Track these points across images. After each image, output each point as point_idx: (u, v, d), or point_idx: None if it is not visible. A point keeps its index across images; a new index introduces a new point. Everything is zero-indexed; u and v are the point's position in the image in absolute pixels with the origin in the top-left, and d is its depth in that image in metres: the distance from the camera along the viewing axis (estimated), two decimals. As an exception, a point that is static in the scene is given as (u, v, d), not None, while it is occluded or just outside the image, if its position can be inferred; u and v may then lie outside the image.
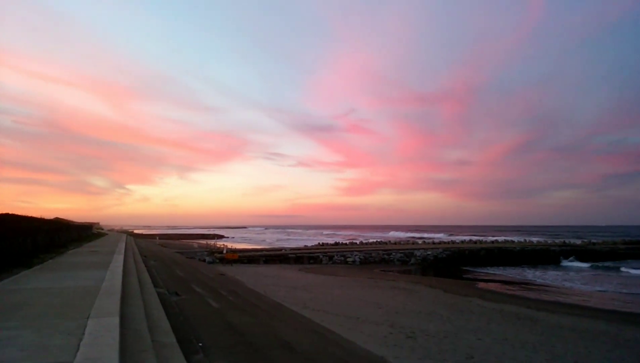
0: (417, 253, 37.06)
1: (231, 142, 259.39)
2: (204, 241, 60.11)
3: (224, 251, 34.62)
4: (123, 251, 17.65)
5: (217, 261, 31.45)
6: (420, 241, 56.57)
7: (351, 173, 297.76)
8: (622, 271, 31.16)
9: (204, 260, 31.69)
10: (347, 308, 13.48)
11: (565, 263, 37.16)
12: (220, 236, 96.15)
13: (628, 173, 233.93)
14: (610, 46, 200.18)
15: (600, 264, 36.24)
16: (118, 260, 12.73)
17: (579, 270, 32.72)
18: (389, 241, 59.29)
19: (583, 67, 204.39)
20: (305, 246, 48.80)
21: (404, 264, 34.89)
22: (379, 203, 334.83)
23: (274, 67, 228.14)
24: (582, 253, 41.06)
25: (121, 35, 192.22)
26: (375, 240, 61.50)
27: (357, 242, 56.39)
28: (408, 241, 60.63)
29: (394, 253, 37.03)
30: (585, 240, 57.48)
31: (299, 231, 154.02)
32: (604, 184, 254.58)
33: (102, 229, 76.95)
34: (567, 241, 54.47)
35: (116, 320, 4.71)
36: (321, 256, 34.69)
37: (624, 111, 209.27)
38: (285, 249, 40.22)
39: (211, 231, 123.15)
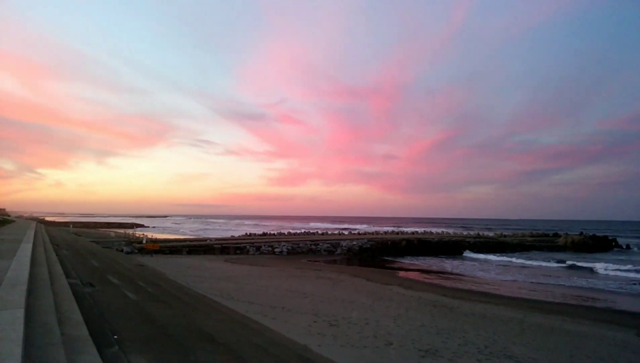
0: (344, 243, 37.86)
1: (155, 127, 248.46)
2: (122, 231, 57.28)
3: (144, 241, 33.15)
4: (32, 239, 16.35)
5: (136, 251, 30.08)
6: (346, 232, 57.84)
7: (281, 163, 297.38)
8: (528, 263, 33.77)
9: (122, 250, 30.18)
10: (273, 299, 13.46)
11: (478, 254, 39.65)
12: (140, 226, 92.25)
13: (538, 170, 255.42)
14: (528, 50, 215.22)
15: (509, 255, 39.21)
16: (25, 249, 11.75)
17: (489, 261, 35.04)
18: (317, 231, 60.05)
19: (502, 69, 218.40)
20: (232, 236, 48.06)
21: (330, 254, 35.51)
22: (307, 194, 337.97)
23: (204, 52, 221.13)
24: (494, 245, 44.16)
25: (36, 8, 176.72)
26: (303, 231, 62.00)
27: (285, 233, 56.55)
28: (335, 232, 61.78)
29: (321, 244, 37.55)
30: (498, 233, 61.84)
31: (222, 221, 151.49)
32: (516, 181, 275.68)
33: (9, 216, 70.96)
34: (481, 233, 58.25)
35: (21, 313, 4.34)
36: (248, 247, 34.34)
37: (537, 112, 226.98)
38: (210, 239, 39.34)
39: (130, 220, 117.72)
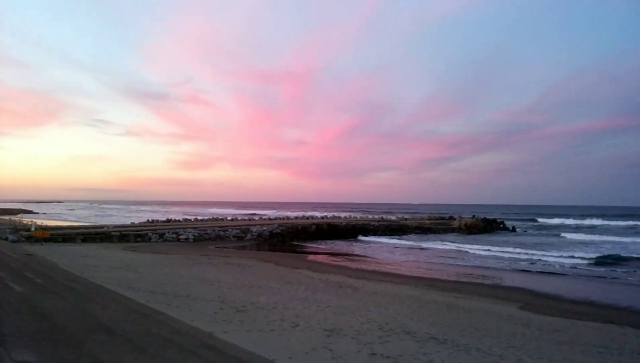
0: (253, 229, 37.61)
1: (46, 104, 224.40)
2: (6, 217, 51.82)
3: (32, 229, 30.25)
4: None
5: (24, 239, 27.38)
6: (257, 218, 57.49)
7: (187, 146, 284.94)
8: (425, 245, 36.04)
9: (7, 239, 27.33)
10: (177, 287, 13.00)
11: (381, 237, 41.60)
12: (29, 212, 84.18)
13: (438, 158, 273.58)
14: (434, 42, 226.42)
15: (408, 238, 41.71)
16: None
17: (391, 244, 36.94)
18: (225, 217, 58.99)
19: (410, 60, 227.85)
20: (132, 223, 45.52)
21: (240, 240, 35.09)
22: (216, 178, 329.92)
23: (102, 24, 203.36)
24: (396, 228, 46.63)
25: None
26: (211, 217, 60.55)
27: (192, 219, 54.80)
28: (245, 217, 61.16)
29: (230, 230, 36.94)
30: (400, 216, 65.34)
31: (121, 206, 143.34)
32: (418, 168, 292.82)
33: None
34: (385, 217, 61.16)
35: None
36: (150, 234, 32.75)
37: (438, 103, 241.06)
38: (108, 226, 36.91)
39: (17, 206, 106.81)
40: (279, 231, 38.10)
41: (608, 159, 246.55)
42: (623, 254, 28.67)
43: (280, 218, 54.76)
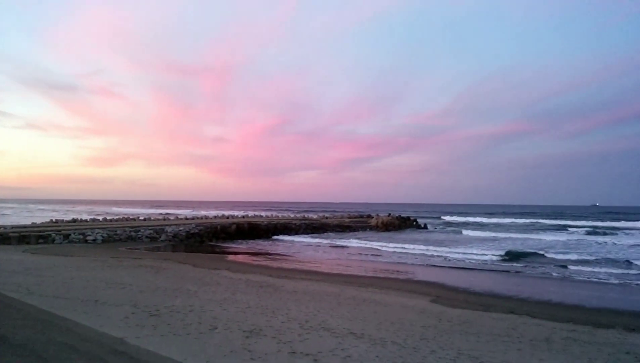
0: (169, 229, 36.08)
1: None
2: None
3: None
4: None
5: None
6: (172, 217, 55.30)
7: (97, 141, 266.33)
8: (340, 242, 36.86)
9: None
10: (84, 292, 12.11)
11: (302, 237, 41.91)
12: None
13: (357, 158, 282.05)
14: (355, 43, 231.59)
15: (330, 235, 42.43)
16: None
17: (311, 243, 37.34)
18: (138, 217, 56.07)
19: (332, 60, 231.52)
20: (33, 223, 41.82)
21: (153, 241, 33.49)
22: (128, 176, 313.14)
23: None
24: (317, 226, 47.21)
25: None
26: (122, 216, 57.27)
27: (100, 219, 51.49)
28: (159, 217, 58.56)
29: (142, 230, 35.11)
30: (321, 215, 66.29)
31: (16, 205, 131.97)
32: (339, 168, 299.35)
33: None
34: (306, 215, 61.72)
35: None
36: (54, 235, 30.25)
37: (357, 105, 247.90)
38: (5, 226, 33.58)
39: None
40: (196, 231, 36.91)
41: (511, 161, 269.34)
42: (523, 249, 31.32)
43: (198, 218, 53.10)
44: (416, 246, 32.85)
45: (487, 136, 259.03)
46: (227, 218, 53.72)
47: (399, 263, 25.00)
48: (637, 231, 49.60)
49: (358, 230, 49.68)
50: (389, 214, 61.11)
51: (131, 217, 55.06)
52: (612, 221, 67.43)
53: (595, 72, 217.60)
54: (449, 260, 26.48)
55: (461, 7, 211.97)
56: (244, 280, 15.88)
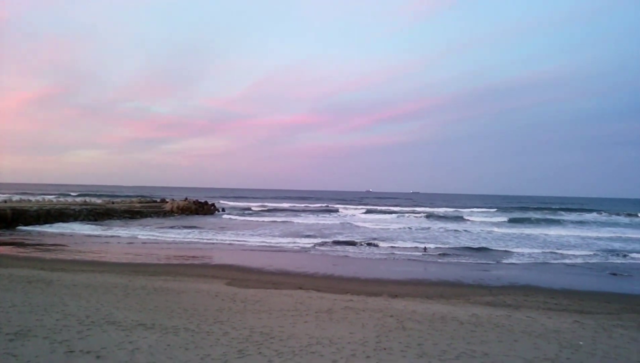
0: None
1: None
2: None
3: None
4: None
5: None
6: None
7: None
8: (131, 231, 34.50)
9: None
10: None
11: (83, 224, 37.72)
12: None
13: (150, 138, 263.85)
14: (154, 12, 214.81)
15: (117, 222, 39.07)
16: None
17: (94, 232, 33.91)
18: None
19: (123, 27, 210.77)
20: None
21: None
22: None
23: None
24: (102, 212, 42.82)
25: None
26: None
27: None
28: None
29: None
30: (107, 199, 60.29)
31: None
32: (130, 148, 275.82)
33: None
34: (88, 200, 55.25)
35: None
36: None
37: (151, 81, 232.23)
38: None
39: None
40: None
41: (306, 149, 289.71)
42: (305, 231, 34.26)
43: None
44: (213, 233, 32.85)
45: (282, 125, 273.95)
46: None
47: (195, 249, 24.60)
48: (403, 214, 58.97)
49: (151, 216, 46.96)
50: (186, 198, 59.47)
51: None
52: (383, 206, 78.84)
53: (373, 74, 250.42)
54: (245, 244, 27.23)
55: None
56: (6, 276, 13.47)
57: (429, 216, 55.88)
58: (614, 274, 18.78)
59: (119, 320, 8.48)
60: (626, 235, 35.34)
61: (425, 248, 25.68)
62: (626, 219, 56.05)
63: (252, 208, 68.66)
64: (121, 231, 32.21)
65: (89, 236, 29.56)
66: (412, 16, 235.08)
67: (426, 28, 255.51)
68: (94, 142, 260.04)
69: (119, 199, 61.22)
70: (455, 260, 21.97)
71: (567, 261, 22.07)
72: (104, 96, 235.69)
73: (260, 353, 6.79)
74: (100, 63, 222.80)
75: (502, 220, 51.35)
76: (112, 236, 29.34)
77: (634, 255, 24.33)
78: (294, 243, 27.78)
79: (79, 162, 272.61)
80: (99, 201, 55.49)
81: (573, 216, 58.01)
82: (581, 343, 8.14)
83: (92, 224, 37.10)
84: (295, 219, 48.85)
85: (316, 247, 26.04)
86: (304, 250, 24.78)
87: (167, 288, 12.58)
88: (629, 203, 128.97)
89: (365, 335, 8.08)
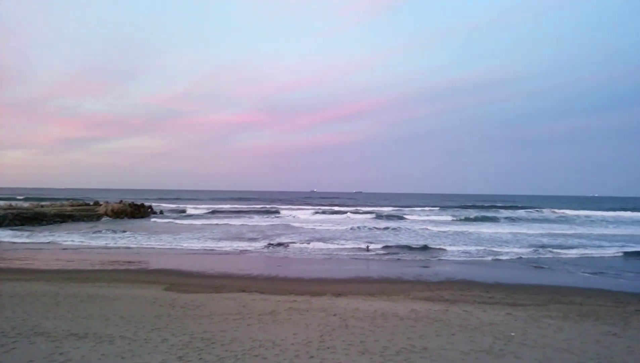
0: None
1: None
2: None
3: None
4: None
5: None
6: None
7: None
8: (60, 237, 32.68)
9: None
10: None
11: (5, 230, 35.19)
12: None
13: (83, 138, 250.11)
14: (85, 3, 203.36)
15: (48, 227, 36.78)
16: None
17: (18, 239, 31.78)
18: None
19: (51, 19, 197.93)
20: None
21: None
22: None
23: None
24: (31, 216, 40.16)
25: None
26: None
27: None
28: None
29: None
30: (35, 203, 56.52)
31: None
32: (60, 147, 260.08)
33: None
34: (14, 203, 51.58)
35: None
36: None
37: (83, 78, 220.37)
38: None
39: None
40: None
41: (249, 149, 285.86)
42: (243, 233, 33.86)
43: None
44: (150, 237, 31.71)
45: (224, 124, 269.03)
46: None
47: (131, 253, 23.62)
48: (346, 214, 59.72)
49: (83, 219, 44.56)
50: (121, 201, 56.94)
51: None
52: (330, 206, 79.23)
53: (320, 73, 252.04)
54: (184, 247, 26.46)
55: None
56: None
57: (372, 215, 57.03)
58: (538, 267, 20.09)
59: (49, 331, 8.00)
60: (554, 231, 37.85)
61: (367, 247, 26.17)
62: (553, 216, 60.00)
63: (192, 210, 66.84)
64: (51, 236, 30.27)
65: (14, 242, 27.57)
66: (360, 16, 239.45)
67: (373, 27, 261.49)
68: (18, 141, 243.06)
69: (48, 203, 57.58)
70: (396, 258, 22.55)
71: (500, 257, 23.27)
72: (30, 93, 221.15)
73: (201, 359, 6.65)
74: (26, 59, 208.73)
75: (442, 219, 53.32)
76: (40, 242, 27.52)
77: (558, 250, 26.05)
78: (236, 245, 27.36)
79: (3, 163, 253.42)
80: (26, 204, 51.99)
81: (507, 213, 61.19)
82: (513, 334, 8.62)
83: (18, 229, 34.64)
84: (237, 221, 48.05)
85: (259, 249, 25.81)
86: (246, 252, 24.48)
87: (102, 295, 12.01)
88: (554, 199, 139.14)
89: (308, 335, 8.12)
